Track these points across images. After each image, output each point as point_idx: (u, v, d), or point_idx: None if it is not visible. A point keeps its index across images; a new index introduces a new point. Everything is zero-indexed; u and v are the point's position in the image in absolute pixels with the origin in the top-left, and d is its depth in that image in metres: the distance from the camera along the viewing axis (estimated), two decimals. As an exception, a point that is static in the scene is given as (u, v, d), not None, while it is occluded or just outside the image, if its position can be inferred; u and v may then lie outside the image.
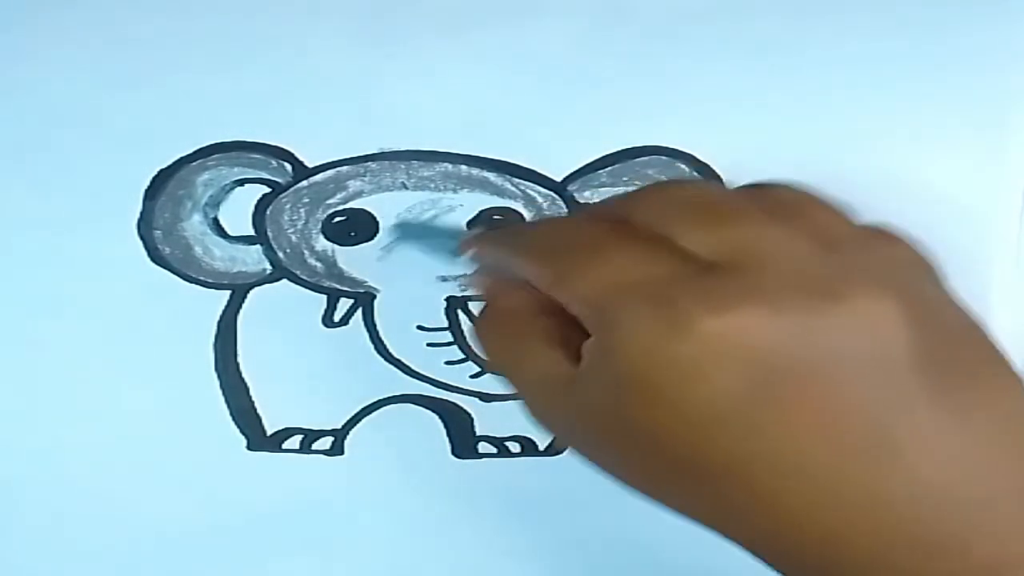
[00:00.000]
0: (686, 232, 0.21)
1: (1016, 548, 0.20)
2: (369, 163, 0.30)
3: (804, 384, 0.20)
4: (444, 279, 0.30)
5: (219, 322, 0.30)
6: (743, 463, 0.20)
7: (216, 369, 0.30)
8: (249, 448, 0.31)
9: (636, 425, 0.21)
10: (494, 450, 0.31)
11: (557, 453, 0.31)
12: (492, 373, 0.25)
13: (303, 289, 0.30)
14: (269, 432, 0.31)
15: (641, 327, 0.20)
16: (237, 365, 0.30)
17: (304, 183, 0.30)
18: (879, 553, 0.20)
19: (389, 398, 0.31)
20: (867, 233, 0.23)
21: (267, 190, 0.30)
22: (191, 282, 0.30)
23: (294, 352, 0.31)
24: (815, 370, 0.20)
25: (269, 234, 0.30)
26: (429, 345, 0.30)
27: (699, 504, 0.22)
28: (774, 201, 0.22)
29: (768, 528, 0.21)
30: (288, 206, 0.30)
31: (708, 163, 0.30)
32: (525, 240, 0.24)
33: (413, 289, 0.30)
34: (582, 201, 0.30)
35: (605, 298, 0.21)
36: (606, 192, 0.30)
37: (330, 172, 0.30)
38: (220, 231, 0.30)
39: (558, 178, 0.30)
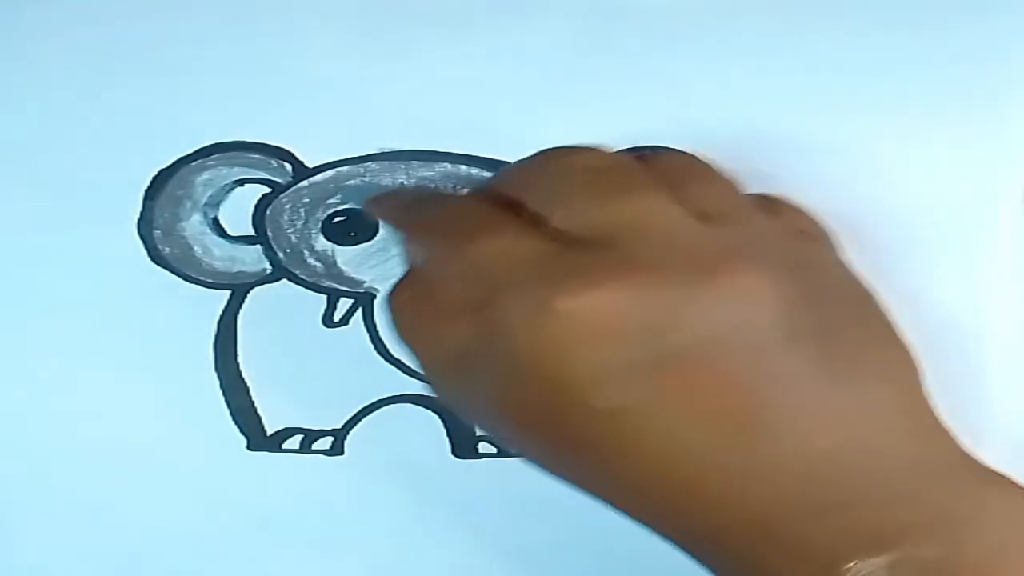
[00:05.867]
0: (564, 209, 0.22)
1: (904, 516, 0.20)
2: (369, 163, 0.30)
3: (677, 361, 0.20)
4: None
5: (219, 322, 0.30)
6: (623, 440, 0.21)
7: (216, 369, 0.30)
8: (249, 448, 0.31)
9: (517, 404, 0.22)
10: (494, 450, 0.31)
11: (557, 453, 0.31)
12: (403, 350, 0.25)
13: (303, 289, 0.30)
14: (269, 432, 0.31)
15: (515, 307, 0.21)
16: (237, 365, 0.30)
17: (304, 183, 0.30)
18: (764, 521, 0.20)
19: (389, 398, 0.31)
20: (755, 204, 0.23)
21: (267, 190, 0.30)
22: (191, 282, 0.30)
23: (294, 352, 0.31)
24: (688, 346, 0.20)
25: (269, 234, 0.30)
26: (429, 345, 0.30)
27: (588, 479, 0.23)
28: (662, 170, 0.23)
29: (656, 504, 0.21)
30: (288, 206, 0.30)
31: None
32: (412, 216, 0.25)
33: (413, 289, 0.30)
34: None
35: (480, 281, 0.21)
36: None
37: (330, 172, 0.30)
38: (220, 231, 0.30)
39: (558, 178, 0.30)
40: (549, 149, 0.25)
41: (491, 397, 0.22)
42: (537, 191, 0.23)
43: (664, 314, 0.20)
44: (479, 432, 0.31)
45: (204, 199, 0.30)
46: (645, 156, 0.24)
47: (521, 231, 0.22)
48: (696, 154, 0.23)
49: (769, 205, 0.24)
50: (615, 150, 0.23)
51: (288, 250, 0.30)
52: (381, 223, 0.29)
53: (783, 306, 0.20)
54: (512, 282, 0.21)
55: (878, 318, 0.23)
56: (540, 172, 0.23)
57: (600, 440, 0.21)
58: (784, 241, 0.22)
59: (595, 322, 0.20)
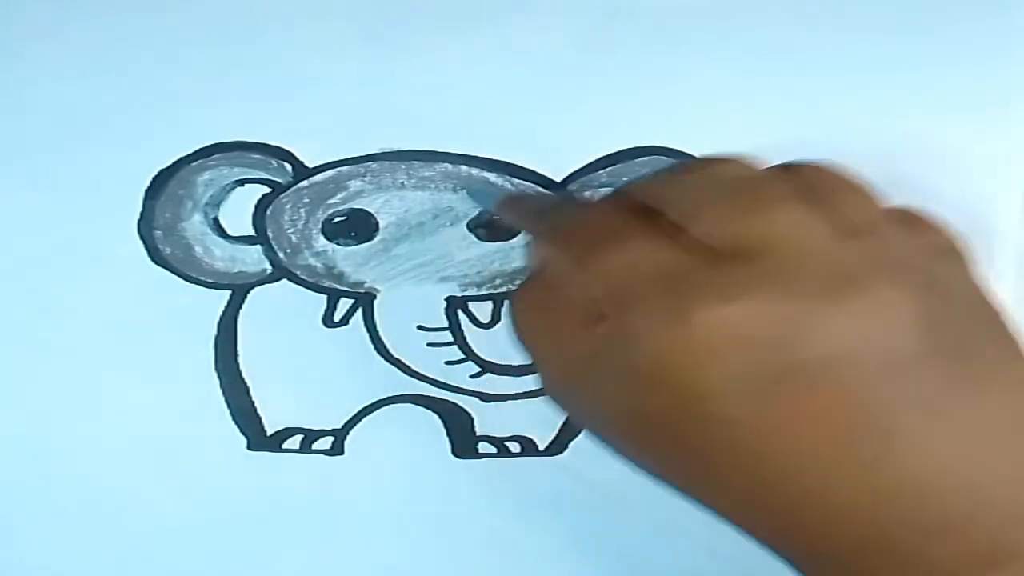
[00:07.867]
0: (706, 220, 0.22)
1: (1018, 534, 0.20)
2: (369, 163, 0.30)
3: (808, 376, 0.20)
4: (445, 279, 0.30)
5: (219, 322, 0.30)
6: (745, 454, 0.21)
7: (216, 369, 0.30)
8: (249, 448, 0.31)
9: (638, 411, 0.22)
10: (494, 450, 0.31)
11: (557, 453, 0.31)
12: (517, 347, 0.25)
13: (303, 289, 0.30)
14: (269, 432, 0.31)
15: (649, 317, 0.21)
16: (237, 365, 0.30)
17: (304, 183, 0.30)
18: (881, 539, 0.20)
19: (389, 398, 0.31)
20: (894, 218, 0.23)
21: (267, 190, 0.30)
22: (191, 282, 0.30)
23: (294, 352, 0.31)
24: (820, 362, 0.20)
25: (269, 234, 0.30)
26: (429, 345, 0.30)
27: (702, 489, 0.22)
28: (802, 183, 0.22)
29: (771, 519, 0.21)
30: (288, 206, 0.30)
31: (708, 163, 0.30)
32: (547, 223, 0.25)
33: (413, 289, 0.30)
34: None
35: (616, 288, 0.21)
36: (606, 192, 0.30)
37: (330, 172, 0.30)
38: (220, 231, 0.30)
39: (558, 178, 0.30)
40: (692, 159, 0.24)
41: (610, 403, 0.22)
42: (678, 201, 0.22)
43: (800, 328, 0.20)
44: (479, 432, 0.31)
45: (205, 199, 0.30)
46: (788, 168, 0.23)
47: (654, 241, 0.22)
48: (839, 166, 0.23)
49: (909, 219, 0.23)
50: (757, 162, 0.23)
51: (288, 250, 0.30)
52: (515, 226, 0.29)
53: (919, 322, 0.20)
54: (645, 292, 0.21)
55: (1006, 337, 0.22)
56: (682, 182, 0.23)
57: (719, 449, 0.21)
58: (922, 257, 0.22)
59: (730, 334, 0.20)
